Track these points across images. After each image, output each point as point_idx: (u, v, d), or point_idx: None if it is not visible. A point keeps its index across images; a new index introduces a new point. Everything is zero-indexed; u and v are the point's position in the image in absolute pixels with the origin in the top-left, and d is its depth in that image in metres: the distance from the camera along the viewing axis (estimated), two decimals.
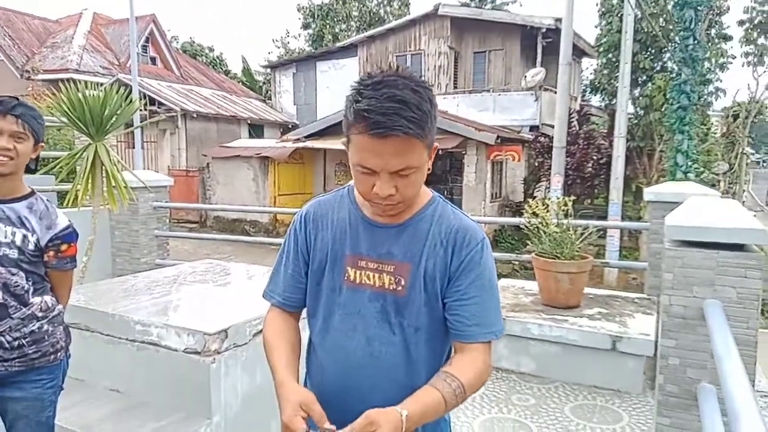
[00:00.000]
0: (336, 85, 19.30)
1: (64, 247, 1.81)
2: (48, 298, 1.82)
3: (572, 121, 13.05)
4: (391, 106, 1.05)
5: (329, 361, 1.27)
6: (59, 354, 1.86)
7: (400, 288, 1.21)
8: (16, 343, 1.73)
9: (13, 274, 1.71)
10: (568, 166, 11.70)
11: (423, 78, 1.15)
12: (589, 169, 12.85)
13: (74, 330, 2.13)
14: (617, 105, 11.13)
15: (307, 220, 1.31)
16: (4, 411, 1.80)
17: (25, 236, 1.73)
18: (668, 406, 2.69)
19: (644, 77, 13.04)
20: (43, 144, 1.84)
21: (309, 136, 15.10)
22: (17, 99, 1.77)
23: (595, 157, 12.94)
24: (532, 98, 15.72)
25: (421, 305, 1.22)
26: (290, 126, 20.03)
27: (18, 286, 1.72)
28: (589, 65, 19.26)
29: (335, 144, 14.07)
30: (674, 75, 6.67)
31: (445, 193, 15.61)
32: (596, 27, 14.24)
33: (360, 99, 1.08)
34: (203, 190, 16.34)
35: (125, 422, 2.21)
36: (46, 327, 1.80)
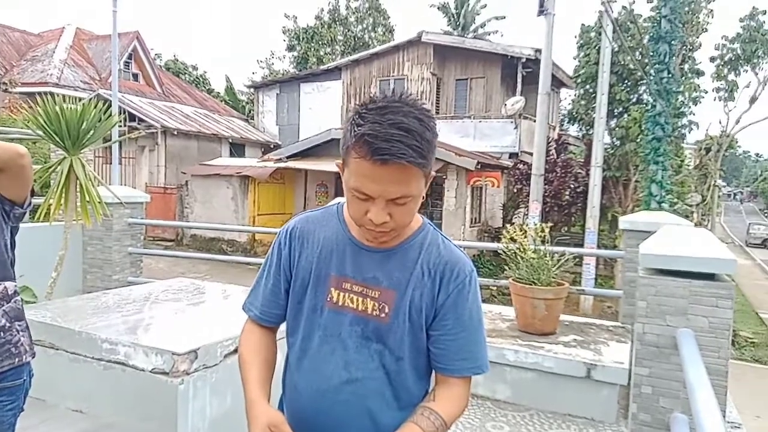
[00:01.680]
0: (319, 106, 19.42)
1: None
2: (8, 285, 1.73)
3: (550, 150, 13.32)
4: (395, 133, 1.02)
5: (304, 383, 1.23)
6: (21, 356, 1.76)
7: (383, 315, 1.18)
8: None
9: None
10: (546, 194, 11.88)
11: (424, 103, 1.13)
12: (567, 197, 13.09)
13: (38, 347, 2.05)
14: (594, 135, 11.39)
15: (293, 236, 1.28)
16: None
17: None
18: None
19: (620, 108, 13.41)
20: None
21: (291, 157, 15.10)
22: None
23: (572, 186, 13.20)
24: (511, 126, 16.02)
25: (404, 334, 1.19)
26: (272, 146, 20.01)
27: None
28: (568, 95, 19.75)
29: (317, 165, 14.10)
30: (649, 107, 6.86)
31: (425, 216, 15.64)
32: (575, 59, 14.67)
33: (362, 123, 1.05)
34: (181, 208, 16.14)
35: None
36: (2, 321, 1.69)
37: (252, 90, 23.79)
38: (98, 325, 2.49)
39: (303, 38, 29.06)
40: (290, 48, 29.92)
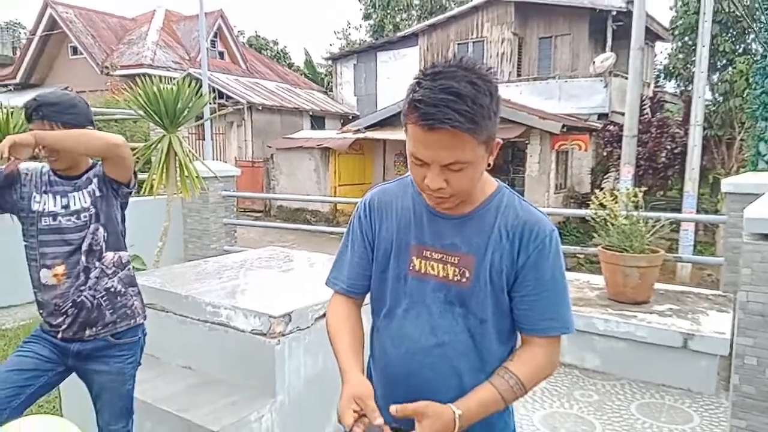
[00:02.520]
0: (396, 75, 19.30)
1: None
2: (123, 255, 1.95)
3: (644, 109, 12.44)
4: (444, 98, 1.02)
5: (393, 347, 1.28)
6: (137, 318, 1.98)
7: (464, 280, 1.21)
8: (95, 302, 1.86)
9: (95, 231, 1.85)
10: (640, 156, 11.16)
11: (489, 69, 1.11)
12: (663, 159, 12.22)
13: (150, 310, 2.27)
14: (693, 91, 10.48)
15: (372, 207, 1.32)
16: (91, 382, 1.96)
17: (91, 191, 1.87)
18: (744, 408, 2.55)
19: (724, 61, 12.23)
20: (89, 126, 1.88)
21: (369, 127, 15.20)
22: (36, 99, 1.79)
23: (668, 147, 12.29)
24: (601, 85, 15.10)
25: (486, 297, 1.20)
26: (351, 117, 20.23)
27: (98, 242, 1.86)
28: (663, 49, 18.26)
29: (395, 135, 14.11)
30: (758, 58, 6.20)
31: (507, 183, 15.24)
32: (671, 9, 13.48)
33: (417, 89, 1.07)
34: (267, 180, 16.84)
35: (197, 397, 2.34)
36: (118, 286, 1.92)
37: (330, 62, 24.03)
38: (201, 290, 2.70)
39: (379, 5, 28.76)
40: (366, 17, 29.76)
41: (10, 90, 21.38)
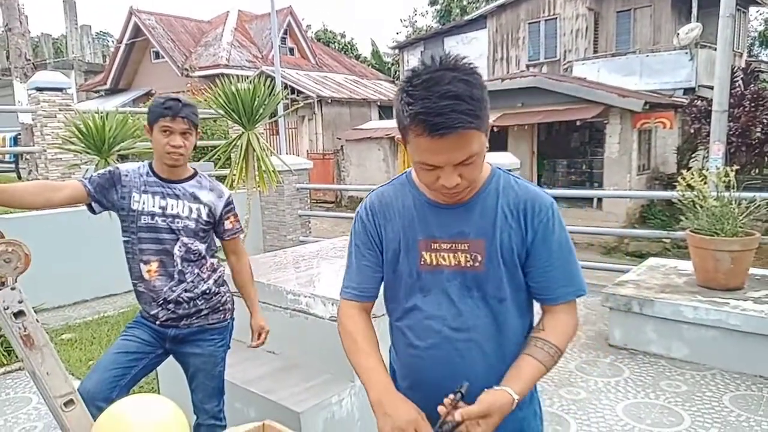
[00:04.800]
0: None
1: (236, 211, 2.10)
2: (214, 261, 2.10)
3: (736, 81, 11.51)
4: (447, 104, 1.04)
5: (418, 340, 1.29)
6: (227, 312, 2.14)
7: (477, 264, 1.23)
8: (192, 302, 2.01)
9: (192, 243, 1.99)
10: (731, 132, 10.36)
11: (465, 58, 1.12)
12: (758, 134, 11.27)
13: (237, 298, 2.41)
14: None
15: (374, 210, 1.33)
16: (186, 365, 2.12)
17: (198, 209, 2.01)
18: None
19: None
20: (200, 132, 2.07)
21: None
22: (180, 100, 1.96)
23: (765, 121, 11.32)
24: (686, 57, 14.10)
25: (502, 277, 1.23)
26: None
27: (196, 252, 2.00)
28: (758, 15, 16.74)
29: None
30: None
31: (584, 166, 14.65)
32: None
33: (413, 101, 1.07)
34: (338, 172, 17.17)
35: (281, 381, 2.46)
36: (213, 288, 2.07)
37: (396, 51, 24.02)
38: (281, 279, 2.82)
39: None
40: (432, 2, 29.46)
41: (102, 95, 23.10)
